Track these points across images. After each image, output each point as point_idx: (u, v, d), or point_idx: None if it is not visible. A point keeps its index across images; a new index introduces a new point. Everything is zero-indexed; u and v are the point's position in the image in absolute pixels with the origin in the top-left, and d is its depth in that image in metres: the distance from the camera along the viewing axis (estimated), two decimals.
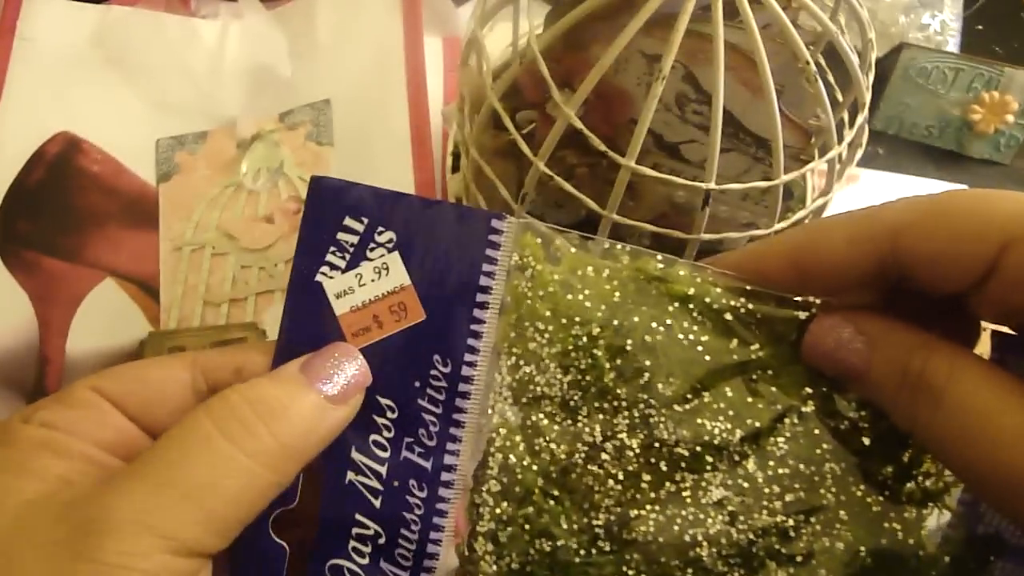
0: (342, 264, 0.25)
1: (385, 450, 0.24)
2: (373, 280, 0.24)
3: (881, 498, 0.23)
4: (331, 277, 0.25)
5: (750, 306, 0.23)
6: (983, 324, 0.23)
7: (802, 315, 0.23)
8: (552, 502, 0.24)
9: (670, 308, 0.24)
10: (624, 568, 0.23)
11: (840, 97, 0.39)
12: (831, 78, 0.40)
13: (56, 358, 0.45)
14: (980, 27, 0.66)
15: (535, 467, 0.24)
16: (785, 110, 0.36)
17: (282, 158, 0.50)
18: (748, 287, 0.23)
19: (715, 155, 0.32)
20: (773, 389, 0.23)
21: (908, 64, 0.58)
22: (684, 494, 0.23)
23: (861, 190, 0.55)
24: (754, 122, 0.37)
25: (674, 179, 0.33)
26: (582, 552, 0.24)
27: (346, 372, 0.24)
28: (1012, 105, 0.57)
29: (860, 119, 0.37)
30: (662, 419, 0.23)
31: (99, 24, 0.54)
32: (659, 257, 0.24)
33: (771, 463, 0.23)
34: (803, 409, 0.23)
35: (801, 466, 0.23)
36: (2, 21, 0.53)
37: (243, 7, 0.54)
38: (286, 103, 0.52)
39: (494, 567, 0.24)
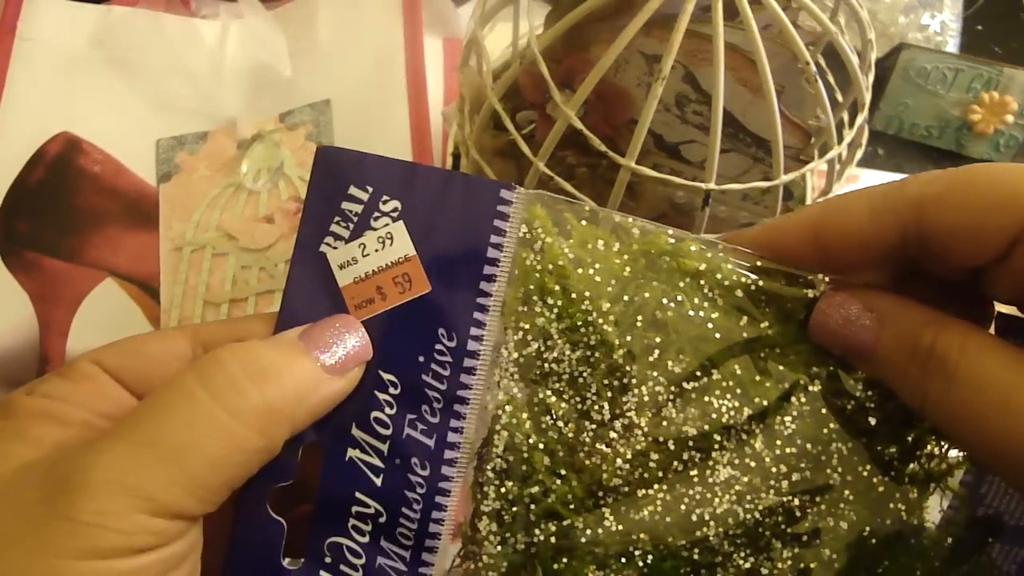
0: (346, 234, 0.24)
1: (387, 427, 0.24)
2: (377, 250, 0.24)
3: (886, 478, 0.23)
4: (335, 247, 0.24)
5: (760, 283, 0.23)
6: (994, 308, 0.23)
7: (811, 293, 0.23)
8: (559, 481, 0.23)
9: (681, 284, 0.23)
10: (631, 548, 0.23)
11: (840, 97, 0.39)
12: (831, 78, 0.40)
13: (56, 358, 0.45)
14: (980, 27, 0.66)
15: (541, 445, 0.24)
16: (785, 110, 0.36)
17: (282, 158, 0.50)
18: (759, 263, 0.23)
19: (715, 155, 0.32)
20: (781, 368, 0.23)
21: (908, 64, 0.58)
22: (692, 473, 0.23)
23: None
24: (754, 122, 0.37)
25: (674, 179, 0.33)
26: (588, 532, 0.23)
27: (346, 343, 0.23)
28: (1011, 105, 0.57)
29: (860, 119, 0.37)
30: (671, 397, 0.23)
31: (99, 24, 0.54)
32: (670, 232, 0.23)
33: (778, 442, 0.23)
34: (810, 388, 0.23)
35: (808, 445, 0.23)
36: (2, 21, 0.53)
37: (243, 7, 0.54)
38: (286, 103, 0.52)
39: (498, 547, 0.24)
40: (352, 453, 0.24)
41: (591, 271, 0.24)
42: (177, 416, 0.20)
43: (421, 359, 0.24)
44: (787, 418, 0.23)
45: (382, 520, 0.24)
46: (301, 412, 0.22)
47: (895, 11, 0.62)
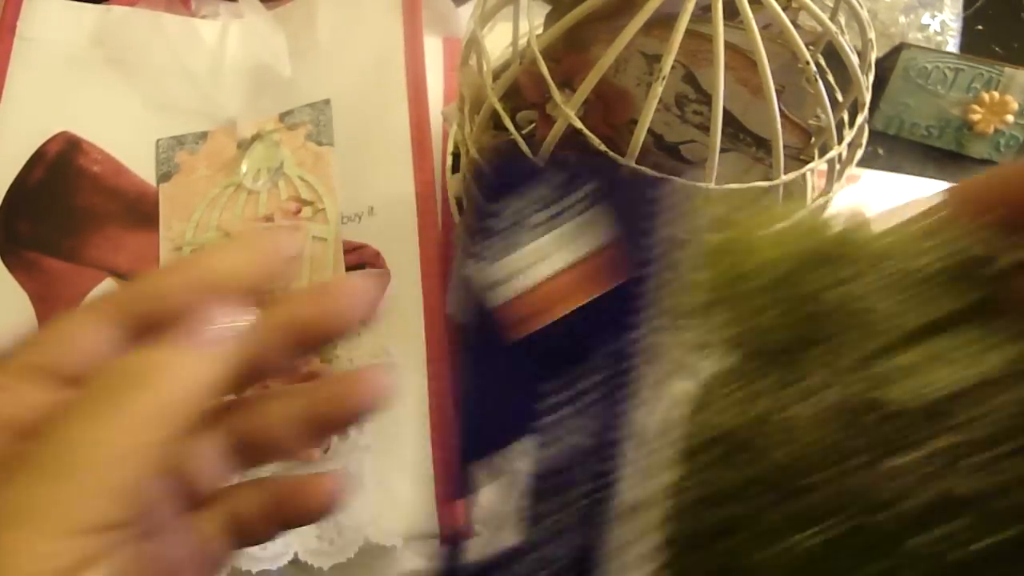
0: (499, 242, 0.24)
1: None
2: (544, 259, 0.24)
3: None
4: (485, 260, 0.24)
5: (948, 262, 0.22)
6: None
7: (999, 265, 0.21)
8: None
9: (860, 266, 0.22)
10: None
11: (840, 97, 0.39)
12: (831, 78, 0.40)
13: None
14: (980, 27, 0.66)
15: (729, 427, 0.23)
16: (785, 110, 0.36)
17: (282, 158, 0.50)
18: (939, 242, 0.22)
19: (715, 155, 0.32)
20: (982, 343, 0.22)
21: (908, 64, 0.58)
22: (899, 457, 0.22)
23: (861, 190, 0.55)
24: (754, 122, 0.37)
25: (674, 179, 0.33)
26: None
27: (226, 320, 0.23)
28: (1012, 105, 0.57)
29: (860, 119, 0.37)
30: (874, 378, 0.22)
31: (99, 24, 0.54)
32: (846, 214, 0.23)
33: (987, 418, 0.21)
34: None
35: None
36: (2, 21, 0.53)
37: (243, 7, 0.54)
38: (286, 103, 0.52)
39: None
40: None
41: (762, 259, 0.23)
42: (79, 432, 0.20)
43: (588, 361, 0.24)
44: (999, 392, 0.21)
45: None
46: (192, 401, 0.22)
47: (895, 11, 0.62)
